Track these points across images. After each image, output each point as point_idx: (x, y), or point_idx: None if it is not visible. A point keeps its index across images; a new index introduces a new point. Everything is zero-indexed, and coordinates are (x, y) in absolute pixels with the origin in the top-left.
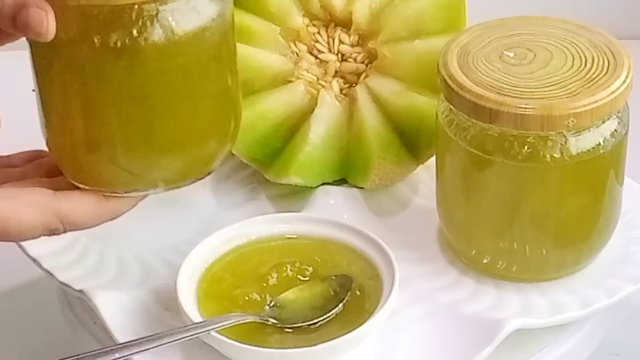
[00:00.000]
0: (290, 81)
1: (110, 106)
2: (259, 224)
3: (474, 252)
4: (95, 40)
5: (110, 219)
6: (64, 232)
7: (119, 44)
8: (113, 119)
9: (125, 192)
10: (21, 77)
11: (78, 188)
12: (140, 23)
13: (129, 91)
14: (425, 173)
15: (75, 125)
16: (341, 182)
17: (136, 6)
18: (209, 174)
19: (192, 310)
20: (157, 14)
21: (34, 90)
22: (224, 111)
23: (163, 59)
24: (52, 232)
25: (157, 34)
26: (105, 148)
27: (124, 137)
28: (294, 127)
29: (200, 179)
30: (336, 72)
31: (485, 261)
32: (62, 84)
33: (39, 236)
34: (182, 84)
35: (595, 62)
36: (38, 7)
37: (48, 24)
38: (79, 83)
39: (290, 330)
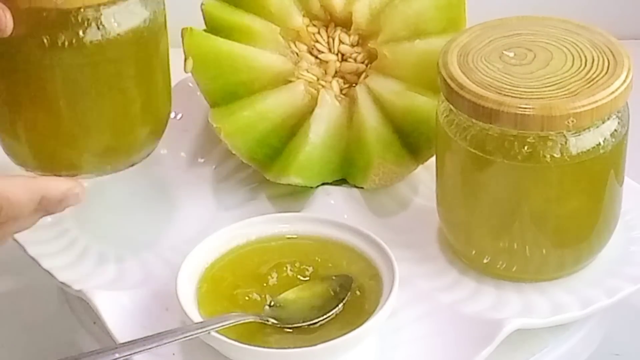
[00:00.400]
0: (290, 81)
1: (57, 97)
2: (259, 224)
3: (473, 252)
4: (45, 40)
5: (44, 197)
6: (1, 211)
7: (66, 43)
8: (61, 108)
9: (70, 174)
10: None
11: None
12: (85, 24)
13: (75, 83)
14: (426, 173)
15: (23, 113)
16: (341, 182)
17: (81, 9)
18: (140, 160)
19: (192, 311)
20: (100, 16)
21: None
22: (154, 101)
23: (104, 56)
24: None
25: (99, 34)
26: (51, 133)
27: (73, 123)
28: (294, 127)
29: (131, 165)
30: (336, 72)
31: (485, 261)
32: (13, 79)
33: None
34: (120, 77)
35: (596, 62)
36: None
37: (7, 20)
38: (29, 77)
39: (290, 330)
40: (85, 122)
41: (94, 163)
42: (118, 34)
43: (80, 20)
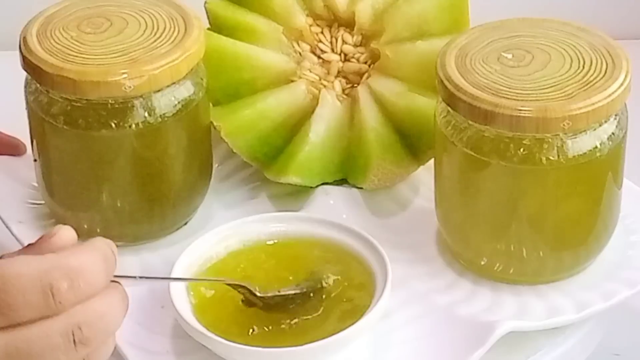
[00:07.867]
0: (293, 81)
1: (122, 174)
2: (253, 223)
3: (471, 253)
4: (112, 124)
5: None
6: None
7: (133, 126)
8: (129, 184)
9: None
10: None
11: None
12: (149, 106)
13: (141, 160)
14: (427, 174)
15: (91, 191)
16: (342, 182)
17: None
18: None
19: (185, 310)
20: (161, 97)
21: (35, 160)
22: (200, 174)
23: (166, 131)
24: None
25: (161, 112)
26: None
27: (141, 197)
28: (295, 126)
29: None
30: (339, 72)
31: (482, 263)
32: (83, 161)
33: None
34: (181, 147)
35: (594, 64)
36: None
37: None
38: (98, 158)
39: (281, 328)
40: (152, 195)
41: (155, 232)
42: (177, 110)
43: (144, 103)
